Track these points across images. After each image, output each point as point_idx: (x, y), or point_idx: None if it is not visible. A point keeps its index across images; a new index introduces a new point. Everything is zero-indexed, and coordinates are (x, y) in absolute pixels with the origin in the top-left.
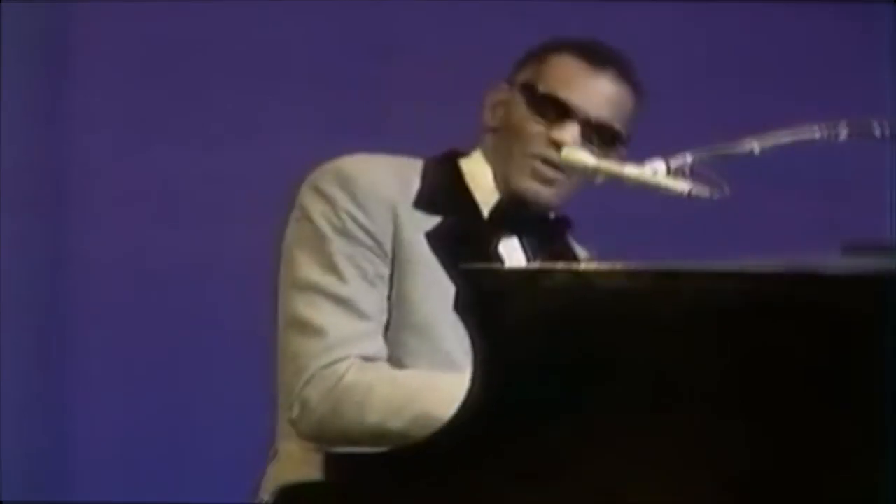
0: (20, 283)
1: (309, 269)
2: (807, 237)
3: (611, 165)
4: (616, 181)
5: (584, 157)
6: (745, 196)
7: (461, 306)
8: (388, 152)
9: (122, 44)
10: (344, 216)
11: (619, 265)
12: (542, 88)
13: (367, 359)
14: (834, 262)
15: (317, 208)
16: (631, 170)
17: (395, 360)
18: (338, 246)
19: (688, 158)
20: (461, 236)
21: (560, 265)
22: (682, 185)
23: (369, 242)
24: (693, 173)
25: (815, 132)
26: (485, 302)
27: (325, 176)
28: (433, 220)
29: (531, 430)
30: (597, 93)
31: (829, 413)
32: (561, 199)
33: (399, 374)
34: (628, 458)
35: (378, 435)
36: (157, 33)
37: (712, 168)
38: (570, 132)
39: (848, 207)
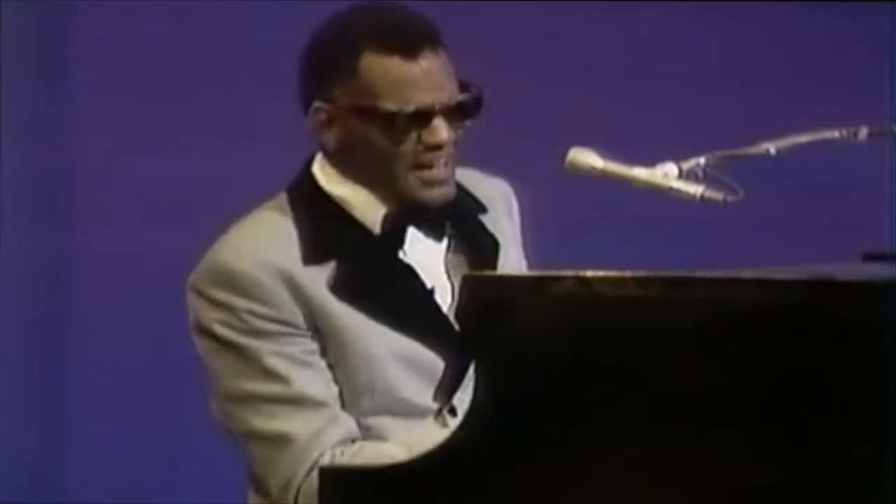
0: (14, 291)
1: (240, 381)
2: (819, 240)
3: (619, 168)
4: (624, 183)
5: (591, 160)
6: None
7: (460, 317)
8: None
9: (116, 49)
10: (246, 317)
11: (627, 272)
12: (379, 105)
13: (343, 442)
14: (852, 269)
15: (214, 319)
16: (640, 172)
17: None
18: (256, 348)
19: (701, 161)
20: (363, 272)
21: (566, 272)
22: (693, 188)
23: (285, 329)
24: (706, 176)
25: (834, 133)
26: (485, 313)
27: (206, 280)
28: (329, 268)
29: (536, 449)
30: (431, 79)
31: (849, 424)
32: (454, 183)
33: (385, 448)
34: (642, 478)
35: None
36: (149, 39)
37: (726, 170)
38: (440, 131)
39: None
